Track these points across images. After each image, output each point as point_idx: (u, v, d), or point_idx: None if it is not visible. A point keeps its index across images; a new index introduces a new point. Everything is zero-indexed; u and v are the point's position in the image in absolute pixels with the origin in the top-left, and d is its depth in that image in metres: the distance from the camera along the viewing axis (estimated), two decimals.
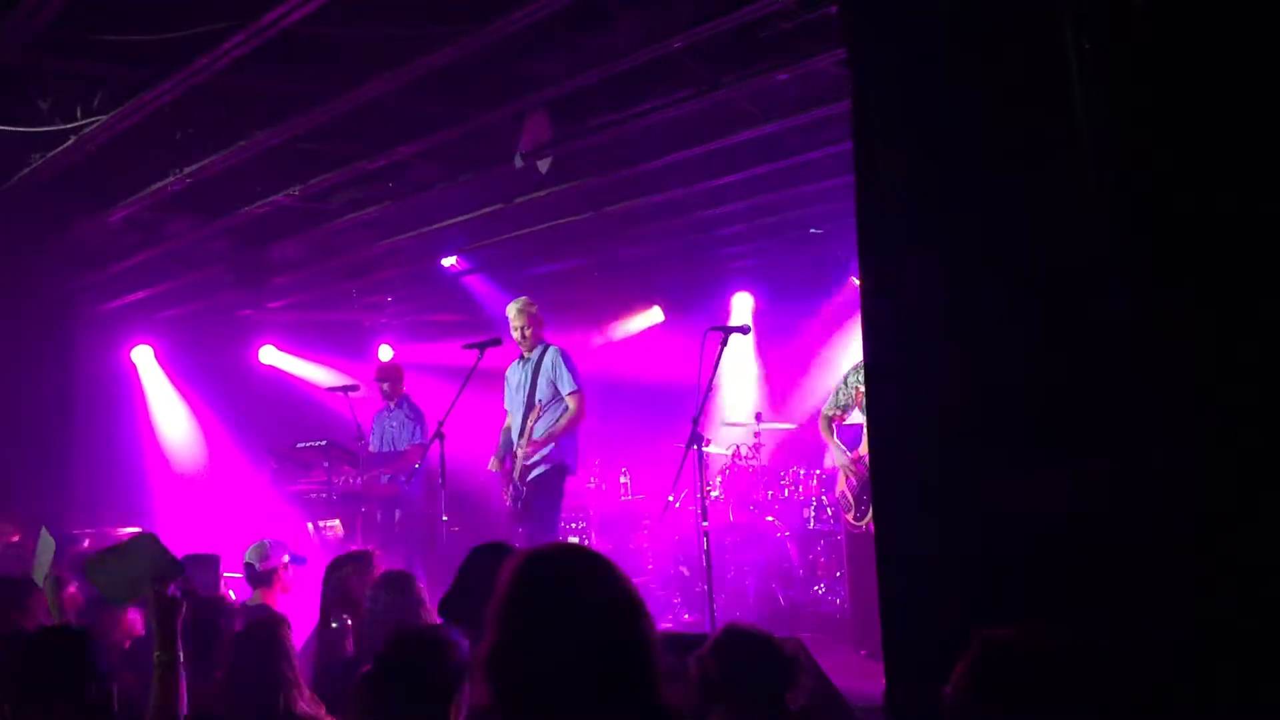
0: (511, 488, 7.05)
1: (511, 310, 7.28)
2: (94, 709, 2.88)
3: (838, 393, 7.01)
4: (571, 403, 7.03)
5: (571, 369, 7.07)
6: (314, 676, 4.15)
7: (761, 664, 2.94)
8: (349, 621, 4.56)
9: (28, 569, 6.07)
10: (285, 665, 3.76)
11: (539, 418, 6.99)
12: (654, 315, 11.60)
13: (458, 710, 2.99)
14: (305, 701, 3.74)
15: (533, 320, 7.20)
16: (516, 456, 7.06)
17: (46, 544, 5.45)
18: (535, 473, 6.99)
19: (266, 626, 3.94)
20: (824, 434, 7.09)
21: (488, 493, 8.72)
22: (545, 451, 7.01)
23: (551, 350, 7.16)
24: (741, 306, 10.80)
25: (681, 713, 1.92)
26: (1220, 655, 2.51)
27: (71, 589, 5.36)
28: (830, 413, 7.01)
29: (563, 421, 7.01)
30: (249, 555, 5.39)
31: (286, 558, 5.44)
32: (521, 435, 7.04)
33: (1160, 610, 2.60)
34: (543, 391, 7.05)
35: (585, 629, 1.83)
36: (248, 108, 5.96)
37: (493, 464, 7.33)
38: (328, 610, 4.60)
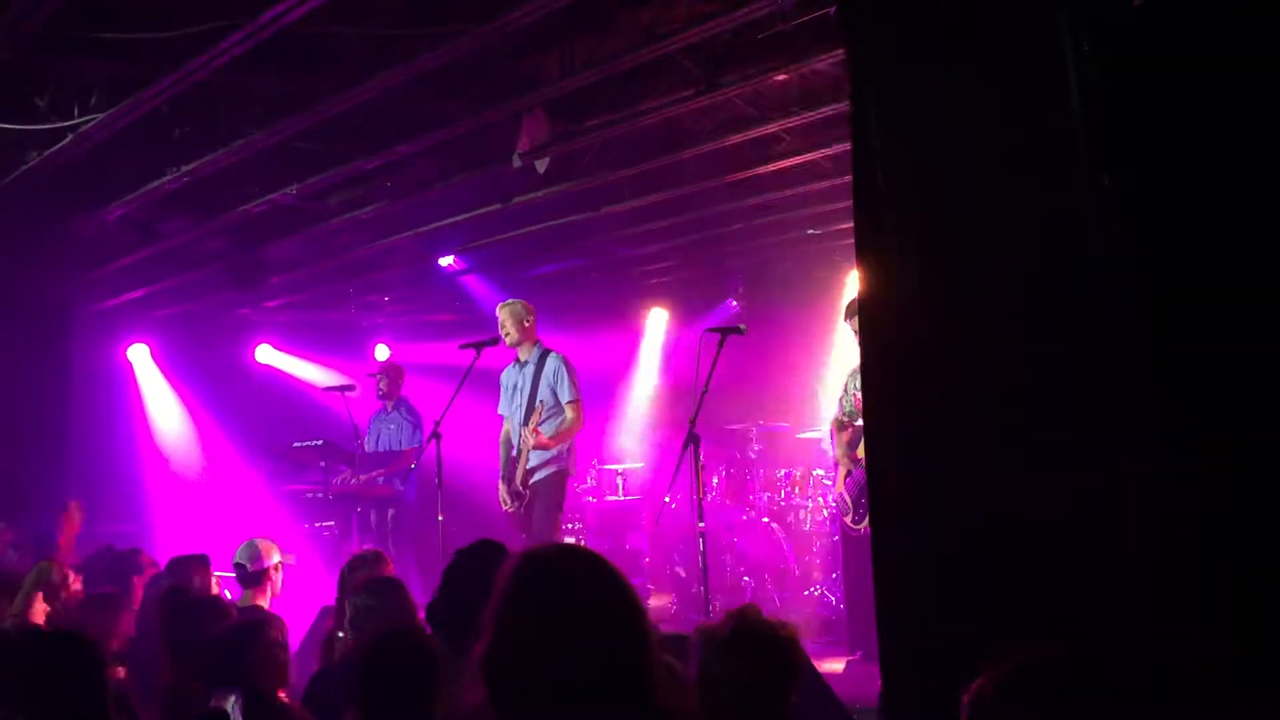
0: (513, 492, 7.03)
1: (499, 311, 7.26)
2: (85, 714, 2.86)
3: (842, 400, 7.03)
4: (570, 411, 7.02)
5: (573, 378, 7.06)
6: (313, 679, 4.13)
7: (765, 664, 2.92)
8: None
9: (18, 565, 6.08)
10: (265, 665, 3.71)
11: (543, 420, 6.96)
12: (657, 318, 11.61)
13: (435, 710, 3.00)
14: (285, 702, 3.70)
15: (517, 321, 7.15)
16: (517, 459, 7.04)
17: None
18: (537, 477, 6.97)
19: (252, 628, 3.91)
20: (835, 435, 7.10)
21: (485, 493, 8.72)
22: (547, 455, 6.98)
23: (553, 357, 7.13)
24: (737, 306, 10.80)
25: (680, 713, 1.92)
26: (1221, 656, 2.51)
27: (75, 585, 5.36)
28: (841, 418, 7.02)
29: (562, 429, 7.00)
30: (239, 555, 5.37)
31: (277, 558, 5.42)
32: (525, 427, 6.98)
33: (1161, 612, 2.60)
34: (544, 396, 7.03)
35: (583, 629, 1.83)
36: (245, 106, 5.95)
37: (504, 500, 7.17)
38: (341, 613, 4.58)
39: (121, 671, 4.42)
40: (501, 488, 7.14)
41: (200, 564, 5.39)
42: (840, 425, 7.01)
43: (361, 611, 4.18)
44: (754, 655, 2.88)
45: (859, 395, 6.69)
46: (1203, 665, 2.53)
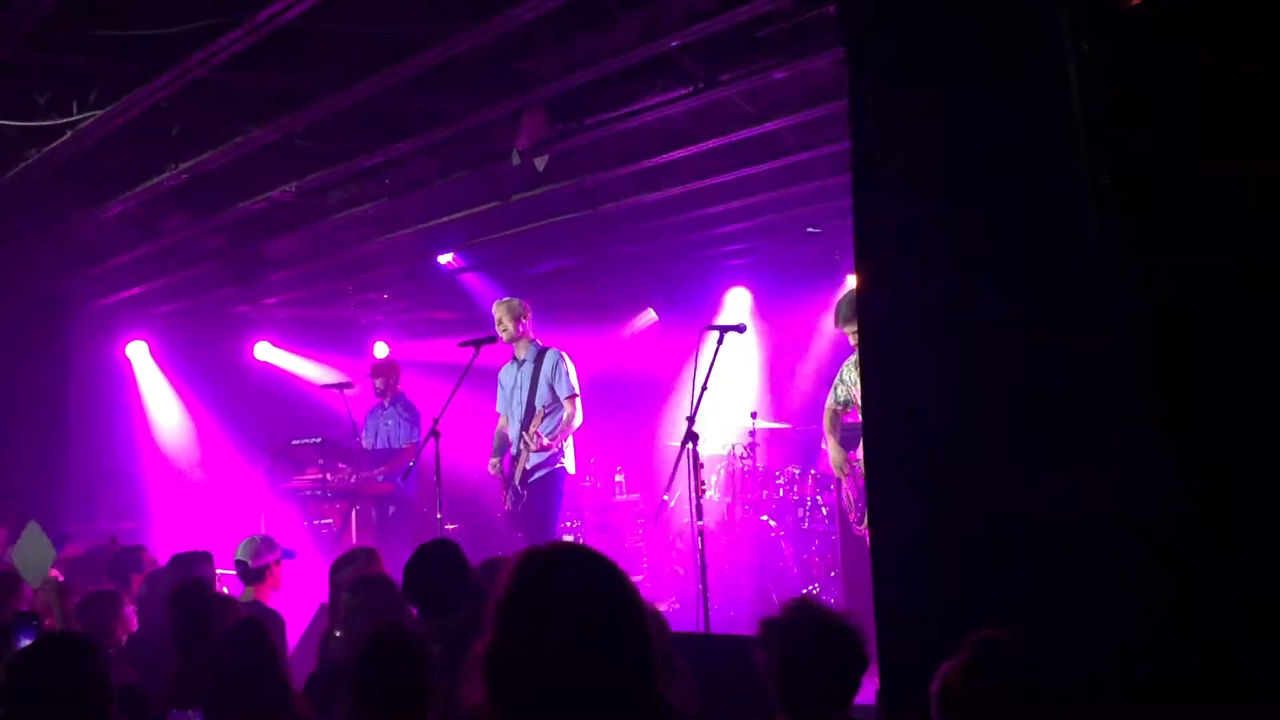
0: (511, 491, 7.02)
1: (496, 308, 7.28)
2: (92, 714, 2.88)
3: (836, 388, 7.01)
4: (569, 407, 7.02)
5: (571, 374, 7.07)
6: (309, 679, 4.13)
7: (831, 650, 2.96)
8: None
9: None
10: (274, 663, 3.72)
11: (542, 419, 6.97)
12: (647, 317, 11.62)
13: (430, 710, 3.00)
14: (292, 701, 3.71)
15: (515, 317, 7.16)
16: (516, 458, 7.03)
17: (36, 540, 5.39)
18: (535, 476, 6.97)
19: (255, 624, 3.91)
20: (827, 428, 7.09)
21: (484, 490, 8.72)
22: (546, 454, 6.98)
23: (551, 354, 7.14)
24: (737, 305, 10.80)
25: (681, 713, 1.91)
26: (1220, 653, 2.51)
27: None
28: (834, 406, 7.00)
29: (562, 426, 7.00)
30: (240, 552, 5.38)
31: (278, 554, 5.43)
32: (525, 431, 7.00)
33: (1160, 611, 2.61)
34: (543, 395, 7.03)
35: (585, 629, 1.82)
36: (244, 104, 5.95)
37: (492, 466, 7.25)
38: (335, 611, 4.58)
39: (127, 669, 4.41)
40: (492, 462, 7.18)
41: (205, 561, 5.39)
42: (833, 414, 7.00)
43: (351, 610, 4.19)
44: (834, 645, 2.97)
45: (856, 388, 6.67)
46: (1199, 662, 2.54)
